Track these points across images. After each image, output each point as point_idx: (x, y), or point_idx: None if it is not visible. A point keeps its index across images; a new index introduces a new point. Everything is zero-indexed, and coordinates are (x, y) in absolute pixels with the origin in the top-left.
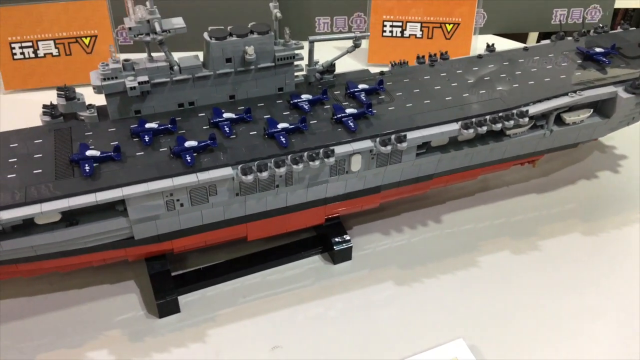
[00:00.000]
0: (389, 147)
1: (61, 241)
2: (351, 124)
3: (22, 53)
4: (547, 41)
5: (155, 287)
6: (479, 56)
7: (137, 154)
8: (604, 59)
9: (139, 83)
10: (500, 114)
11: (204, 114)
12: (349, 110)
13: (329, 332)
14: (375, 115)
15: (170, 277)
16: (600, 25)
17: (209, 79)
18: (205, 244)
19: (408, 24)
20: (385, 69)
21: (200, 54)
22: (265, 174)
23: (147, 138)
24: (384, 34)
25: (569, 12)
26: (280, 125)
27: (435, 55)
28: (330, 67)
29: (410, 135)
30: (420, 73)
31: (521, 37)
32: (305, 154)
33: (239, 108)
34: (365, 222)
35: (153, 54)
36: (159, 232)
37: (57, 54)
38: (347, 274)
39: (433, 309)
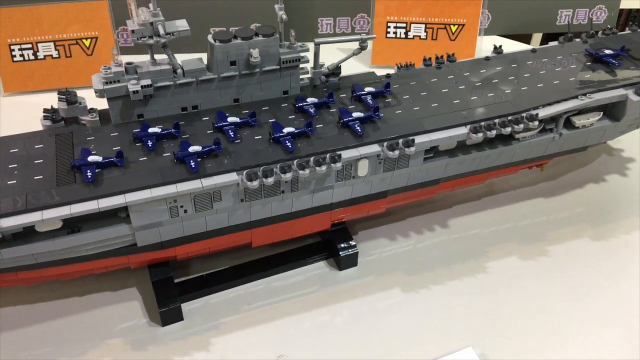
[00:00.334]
0: (396, 152)
1: (62, 249)
2: (358, 128)
3: (22, 55)
4: (555, 43)
5: (158, 295)
6: (487, 58)
7: (140, 159)
8: (614, 61)
9: (141, 87)
10: (510, 118)
11: (207, 118)
12: (355, 114)
13: (336, 340)
14: (382, 118)
15: (173, 284)
16: (609, 26)
17: (213, 83)
18: (209, 251)
19: (412, 25)
20: (391, 71)
21: (204, 56)
22: (270, 180)
23: (150, 143)
24: (388, 35)
25: (574, 13)
26: (286, 130)
27: (442, 57)
28: (335, 70)
29: (418, 139)
30: (427, 75)
31: (525, 38)
32: (312, 159)
33: (244, 112)
34: (370, 227)
35: (156, 56)
36: (162, 238)
37: (57, 55)
38: (353, 280)
39: (441, 317)
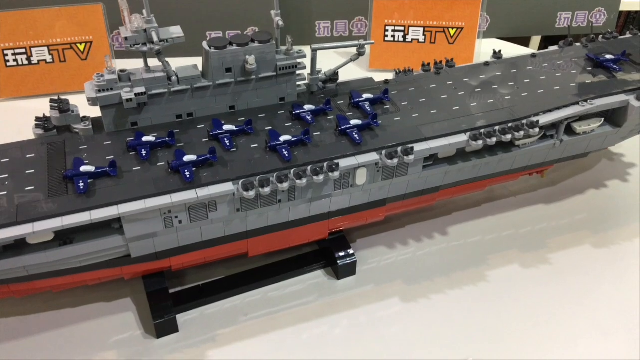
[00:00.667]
0: (395, 160)
1: (54, 261)
2: (356, 135)
3: (15, 60)
4: (555, 47)
5: (153, 306)
6: (486, 63)
7: (134, 168)
8: (615, 65)
9: (135, 95)
10: (510, 125)
11: (203, 126)
12: (353, 122)
13: (335, 351)
14: (380, 126)
15: (168, 295)
16: (609, 30)
17: (209, 90)
18: (204, 261)
19: (410, 29)
20: (389, 76)
21: (197, 61)
22: (267, 190)
23: (144, 152)
24: (386, 38)
25: (573, 16)
26: (283, 138)
27: (441, 62)
28: (333, 76)
29: (417, 147)
30: (426, 81)
31: (523, 41)
32: (309, 168)
33: (240, 119)
34: (369, 235)
35: (150, 63)
36: (156, 249)
37: (51, 60)
38: (352, 289)
39: (441, 326)
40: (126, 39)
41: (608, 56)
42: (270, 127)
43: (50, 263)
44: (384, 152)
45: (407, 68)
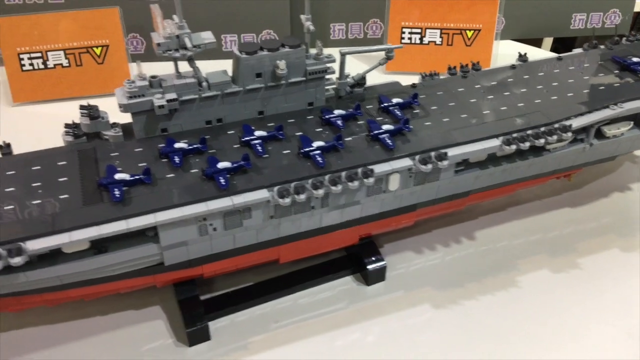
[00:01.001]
0: (429, 166)
1: (89, 270)
2: (389, 141)
3: (31, 64)
4: (579, 50)
5: (185, 314)
6: (513, 66)
7: (167, 175)
8: None
9: (167, 101)
10: (543, 129)
11: (233, 132)
12: (385, 127)
13: (370, 358)
14: (411, 131)
15: (199, 302)
16: (633, 32)
17: (238, 95)
18: (235, 268)
19: (427, 31)
20: (406, 78)
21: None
22: (303, 197)
23: (177, 159)
24: (403, 40)
25: (588, 17)
26: (316, 144)
27: (467, 65)
28: (361, 80)
29: (451, 152)
30: (453, 85)
31: (535, 42)
32: (344, 174)
33: (269, 124)
34: (396, 240)
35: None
36: (189, 257)
37: (68, 64)
38: (382, 295)
39: (475, 333)
40: (159, 45)
41: (635, 59)
42: (301, 133)
43: (85, 272)
44: (417, 157)
45: (433, 71)
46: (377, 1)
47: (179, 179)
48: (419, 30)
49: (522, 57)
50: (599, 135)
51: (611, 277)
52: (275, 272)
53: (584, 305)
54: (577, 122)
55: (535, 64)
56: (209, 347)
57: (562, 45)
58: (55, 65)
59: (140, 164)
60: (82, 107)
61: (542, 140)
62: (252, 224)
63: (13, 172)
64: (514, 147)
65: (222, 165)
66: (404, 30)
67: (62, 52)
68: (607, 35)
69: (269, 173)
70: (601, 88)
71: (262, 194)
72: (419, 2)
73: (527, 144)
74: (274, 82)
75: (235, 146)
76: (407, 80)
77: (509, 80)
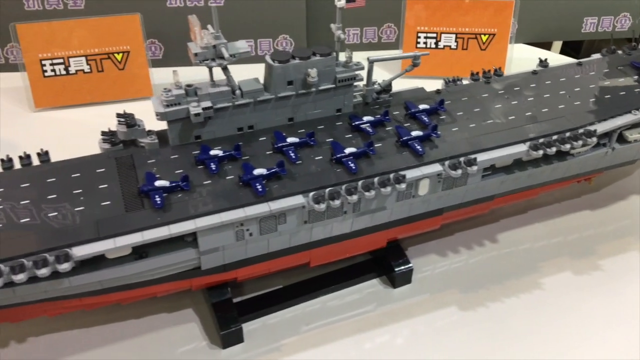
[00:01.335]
0: (459, 171)
1: (129, 274)
2: (418, 147)
3: (53, 70)
4: (598, 55)
5: (219, 317)
6: (534, 72)
7: (204, 182)
8: None
9: (203, 109)
10: (568, 134)
11: (264, 138)
12: (414, 133)
13: None
14: (439, 137)
15: (232, 305)
16: None
17: (270, 102)
18: (268, 272)
19: (442, 35)
20: (421, 83)
21: (255, 71)
22: (337, 202)
23: (213, 166)
24: (418, 45)
25: (599, 21)
26: (348, 150)
27: (489, 71)
28: (387, 87)
29: (480, 157)
30: (477, 90)
31: (545, 46)
32: (376, 179)
33: (299, 131)
34: (420, 243)
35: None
36: (225, 261)
37: (89, 70)
38: (409, 298)
39: (500, 335)
40: (196, 54)
41: None
42: (331, 139)
43: (125, 277)
44: (447, 163)
45: (456, 77)
46: (391, 5)
47: (215, 186)
48: (434, 35)
49: (543, 63)
50: (621, 139)
51: (631, 279)
52: (302, 276)
53: (606, 306)
54: (601, 127)
55: (556, 70)
56: (243, 349)
57: (571, 48)
58: (77, 71)
59: (177, 171)
60: (118, 115)
61: (568, 146)
62: (286, 229)
63: (54, 179)
64: (540, 152)
65: (258, 171)
66: (419, 34)
67: (83, 58)
68: (619, 39)
69: (302, 179)
70: (622, 93)
71: (298, 200)
72: (434, 6)
73: (554, 149)
74: (305, 89)
75: (268, 152)
76: (423, 84)
77: (532, 85)
